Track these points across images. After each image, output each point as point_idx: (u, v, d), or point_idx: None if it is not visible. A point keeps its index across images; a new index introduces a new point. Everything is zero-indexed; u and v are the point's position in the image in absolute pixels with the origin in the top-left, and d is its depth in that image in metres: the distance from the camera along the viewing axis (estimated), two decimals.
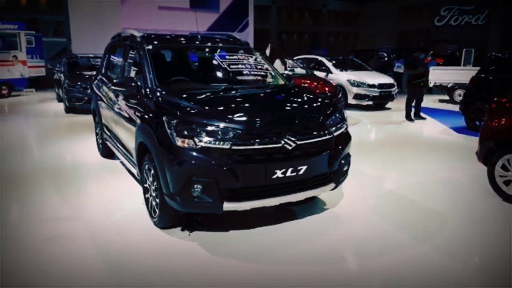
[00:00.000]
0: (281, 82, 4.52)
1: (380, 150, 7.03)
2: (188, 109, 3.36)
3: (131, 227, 3.68)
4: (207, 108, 3.39)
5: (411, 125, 9.27)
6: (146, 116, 3.59)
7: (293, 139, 3.30)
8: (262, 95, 3.96)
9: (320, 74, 12.04)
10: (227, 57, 4.39)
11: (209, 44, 4.66)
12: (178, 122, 3.18)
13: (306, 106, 3.80)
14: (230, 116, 3.25)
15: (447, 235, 3.66)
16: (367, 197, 4.58)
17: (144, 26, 17.38)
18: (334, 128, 3.65)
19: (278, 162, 3.26)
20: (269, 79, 4.54)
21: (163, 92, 3.72)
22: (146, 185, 3.70)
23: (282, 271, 2.99)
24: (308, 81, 9.09)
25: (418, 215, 4.11)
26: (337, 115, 3.79)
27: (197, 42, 4.68)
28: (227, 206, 3.18)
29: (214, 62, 4.30)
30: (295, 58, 13.72)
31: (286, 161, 3.30)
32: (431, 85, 13.10)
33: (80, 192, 4.64)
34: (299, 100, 3.97)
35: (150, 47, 4.23)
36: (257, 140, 3.19)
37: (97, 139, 6.11)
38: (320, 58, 12.69)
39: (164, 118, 3.26)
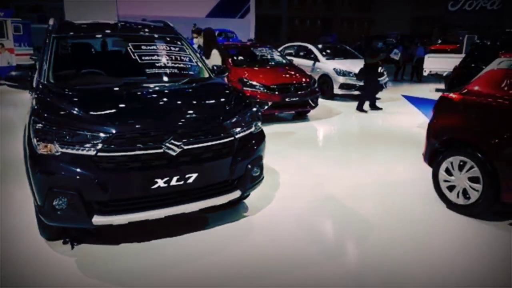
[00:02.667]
0: (206, 75, 4.16)
1: (343, 145, 6.64)
2: (56, 109, 3.01)
3: (25, 235, 3.41)
4: (77, 109, 3.02)
5: (390, 117, 8.76)
6: (28, 116, 3.29)
7: (177, 143, 2.94)
8: (161, 92, 3.57)
9: (308, 62, 11.57)
10: (144, 47, 4.02)
11: (127, 33, 4.27)
12: (40, 125, 2.85)
13: (203, 106, 3.42)
14: (97, 119, 2.90)
15: (366, 248, 3.29)
16: (299, 201, 4.21)
17: (141, 12, 17.15)
18: (237, 130, 3.28)
19: (159, 170, 2.92)
20: (192, 72, 4.15)
21: (48, 88, 3.38)
22: None
23: None
24: (281, 71, 8.63)
25: (343, 225, 3.73)
26: (244, 114, 3.41)
27: (116, 31, 4.31)
28: (98, 220, 2.85)
29: (131, 53, 3.93)
30: (285, 45, 13.26)
31: (170, 169, 2.95)
32: (425, 73, 12.41)
33: None
34: (201, 98, 3.58)
35: (56, 35, 3.92)
36: (131, 146, 2.84)
37: None
38: (309, 46, 12.14)
39: (32, 119, 2.93)
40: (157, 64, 3.92)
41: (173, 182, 2.96)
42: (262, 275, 2.92)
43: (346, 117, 8.84)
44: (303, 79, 8.16)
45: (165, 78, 3.86)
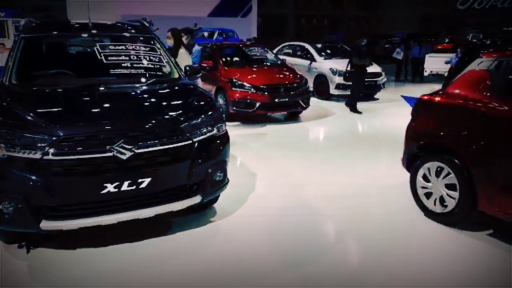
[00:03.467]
0: (176, 76, 4.04)
1: (328, 147, 6.49)
2: (6, 111, 2.95)
3: None
4: (26, 110, 2.93)
5: (385, 119, 8.57)
6: None
7: (128, 147, 2.83)
8: (118, 94, 3.46)
9: (305, 62, 11.40)
10: (112, 47, 3.91)
11: (97, 33, 4.16)
12: None
13: (159, 108, 3.29)
14: (44, 121, 2.81)
15: (328, 259, 3.14)
16: (271, 206, 4.07)
17: (143, 12, 17.11)
18: (196, 133, 3.16)
19: (108, 174, 2.82)
20: (160, 73, 4.03)
21: (7, 89, 3.31)
22: None
23: None
24: (271, 71, 8.48)
25: (312, 233, 3.59)
26: (206, 117, 3.28)
27: (87, 31, 4.20)
28: (46, 225, 2.77)
29: (97, 54, 3.82)
30: (283, 45, 13.09)
31: (120, 173, 2.84)
32: (426, 73, 12.14)
33: None
34: (159, 100, 3.47)
35: (25, 35, 3.84)
36: (78, 149, 2.73)
37: None
38: (306, 45, 11.96)
39: None
40: (123, 65, 3.80)
41: (124, 187, 2.85)
42: (220, 285, 2.79)
43: (339, 118, 8.67)
44: (294, 79, 8.01)
45: (129, 79, 3.75)
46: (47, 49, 4.05)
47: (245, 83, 7.53)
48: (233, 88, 7.50)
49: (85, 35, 4.16)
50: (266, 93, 7.52)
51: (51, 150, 2.68)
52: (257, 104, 7.45)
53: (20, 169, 2.69)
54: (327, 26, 44.44)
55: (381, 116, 8.90)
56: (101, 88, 3.44)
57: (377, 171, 5.25)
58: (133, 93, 3.49)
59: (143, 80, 3.72)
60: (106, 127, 2.86)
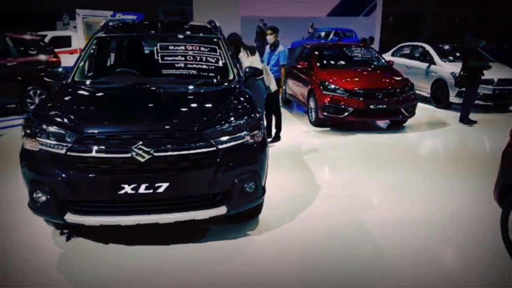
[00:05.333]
0: (230, 78, 3.87)
1: (422, 164, 5.49)
2: (49, 106, 3.13)
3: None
4: (63, 107, 3.08)
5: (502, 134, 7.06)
6: None
7: (147, 149, 2.76)
8: (154, 94, 3.42)
9: (422, 65, 10.19)
10: (170, 48, 3.93)
11: (160, 33, 4.23)
12: (28, 120, 2.98)
13: (186, 112, 3.15)
14: (71, 118, 2.90)
15: None
16: (320, 227, 3.62)
17: (262, 13, 17.57)
18: (223, 139, 2.94)
19: (126, 175, 2.79)
20: (212, 74, 3.90)
21: (66, 86, 3.55)
22: None
23: None
24: (370, 74, 7.71)
25: (357, 269, 3.06)
26: (236, 123, 3.03)
27: (151, 31, 4.30)
28: (70, 218, 2.87)
29: (156, 53, 3.88)
30: (401, 45, 11.93)
31: (137, 175, 2.79)
32: None
33: None
34: (191, 103, 3.34)
35: (97, 35, 4.12)
36: (98, 148, 2.76)
37: None
38: (426, 46, 10.66)
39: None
40: (176, 65, 3.80)
41: (142, 189, 2.80)
42: None
43: (450, 131, 7.47)
44: (397, 84, 7.17)
45: (181, 80, 3.73)
46: (113, 49, 4.28)
47: (337, 87, 7.00)
48: (324, 92, 7.04)
49: (149, 35, 4.28)
50: (360, 98, 6.87)
51: (74, 147, 2.77)
52: (349, 110, 6.86)
53: (49, 163, 2.84)
54: (472, 24, 39.54)
55: (502, 132, 7.37)
56: (144, 88, 3.47)
57: (473, 197, 4.29)
58: (169, 94, 3.44)
59: (189, 81, 3.66)
60: (128, 128, 2.85)
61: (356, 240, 3.42)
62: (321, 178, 4.82)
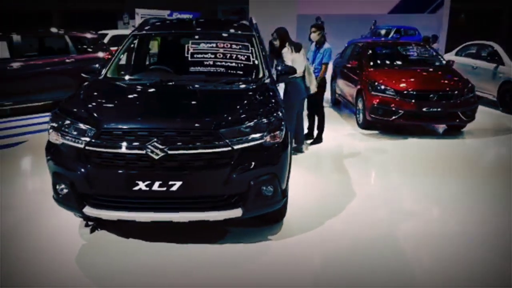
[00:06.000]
0: (260, 76, 3.74)
1: (474, 177, 4.95)
2: (75, 102, 3.19)
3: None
4: (86, 102, 3.13)
5: None
6: None
7: (161, 147, 2.72)
8: (177, 92, 3.38)
9: (488, 65, 9.36)
10: (201, 45, 3.89)
11: (193, 31, 4.20)
12: (54, 114, 3.06)
13: (203, 110, 3.05)
14: (92, 113, 2.94)
15: None
16: (343, 238, 3.38)
17: (320, 11, 17.21)
18: (238, 139, 2.82)
19: (140, 172, 2.77)
20: (241, 72, 3.80)
21: (96, 82, 3.64)
22: None
23: None
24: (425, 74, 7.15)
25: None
26: (255, 123, 2.89)
27: (185, 29, 4.29)
28: (88, 211, 2.92)
29: (186, 51, 3.86)
30: (466, 43, 11.04)
31: (151, 172, 2.76)
32: None
33: None
34: (210, 102, 3.25)
35: (134, 32, 4.19)
36: (115, 143, 2.77)
37: None
38: (494, 44, 9.74)
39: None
40: (205, 63, 3.75)
41: (155, 187, 2.77)
42: None
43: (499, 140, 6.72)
44: (454, 86, 6.61)
45: (205, 77, 3.70)
46: (148, 46, 4.33)
47: (387, 87, 6.59)
48: (373, 92, 6.66)
49: (184, 33, 4.29)
50: (412, 100, 6.42)
51: (92, 142, 2.80)
52: (399, 113, 6.43)
53: (70, 156, 2.91)
54: None
55: None
56: (169, 86, 3.48)
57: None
58: (191, 92, 3.40)
59: (216, 79, 3.60)
60: (143, 125, 2.83)
61: (385, 254, 3.14)
62: (357, 185, 4.53)
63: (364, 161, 5.44)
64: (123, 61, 4.30)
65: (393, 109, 6.45)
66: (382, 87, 6.61)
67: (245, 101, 3.12)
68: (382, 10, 17.62)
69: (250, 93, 3.34)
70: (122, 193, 2.84)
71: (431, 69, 7.38)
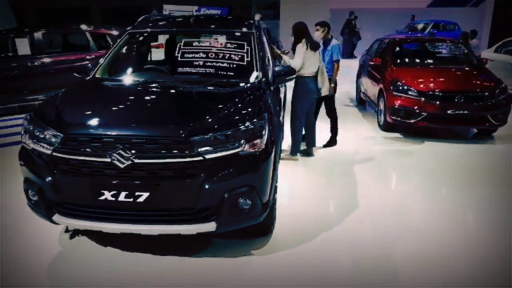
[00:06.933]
0: (256, 81, 3.46)
1: (499, 185, 4.46)
2: (50, 105, 3.06)
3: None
4: (60, 106, 2.98)
5: None
6: None
7: (126, 155, 2.55)
8: (154, 95, 3.20)
9: None
10: (195, 44, 3.69)
11: (188, 29, 3.99)
12: (29, 117, 2.94)
13: (174, 116, 2.83)
14: (61, 117, 2.81)
15: None
16: (337, 253, 3.11)
17: (354, 6, 16.60)
18: (211, 148, 2.59)
19: (105, 181, 2.61)
20: (232, 73, 3.55)
21: (80, 83, 3.52)
22: None
23: None
24: (453, 74, 6.57)
25: None
26: (231, 130, 2.66)
27: (181, 27, 4.06)
28: (57, 219, 2.80)
29: (177, 50, 3.66)
30: (504, 40, 10.21)
31: (117, 182, 2.59)
32: None
33: None
34: (183, 107, 3.02)
35: (129, 30, 4.05)
36: (80, 150, 2.62)
37: None
38: None
39: None
40: (195, 63, 3.54)
41: (121, 197, 2.60)
42: None
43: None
44: (483, 87, 6.05)
45: (192, 79, 3.50)
46: (140, 45, 4.16)
47: (410, 87, 6.13)
48: (395, 93, 6.22)
49: (177, 31, 4.09)
50: (437, 101, 5.93)
51: (59, 147, 2.67)
52: (422, 115, 5.96)
53: (38, 162, 2.79)
54: None
55: None
56: (151, 88, 3.31)
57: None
58: (171, 96, 3.20)
59: (203, 80, 3.40)
60: (110, 131, 2.65)
61: (384, 255, 2.85)
62: (365, 194, 4.19)
63: (378, 167, 5.06)
64: (122, 60, 4.19)
65: (416, 111, 5.99)
66: (405, 87, 6.16)
67: (227, 106, 2.88)
68: (420, 4, 16.70)
69: (235, 96, 3.08)
70: (89, 202, 2.70)
71: (460, 68, 6.80)
